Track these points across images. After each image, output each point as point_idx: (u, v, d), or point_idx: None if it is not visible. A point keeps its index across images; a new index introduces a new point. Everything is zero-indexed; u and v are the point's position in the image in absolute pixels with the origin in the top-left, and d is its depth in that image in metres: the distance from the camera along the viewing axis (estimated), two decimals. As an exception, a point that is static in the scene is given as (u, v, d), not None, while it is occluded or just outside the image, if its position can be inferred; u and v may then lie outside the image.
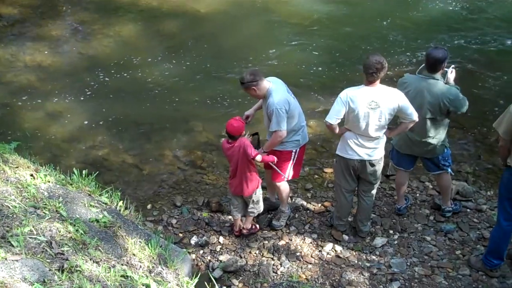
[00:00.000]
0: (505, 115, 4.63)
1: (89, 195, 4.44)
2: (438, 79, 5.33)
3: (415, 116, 5.07)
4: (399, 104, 4.99)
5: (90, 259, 3.43)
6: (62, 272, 3.08)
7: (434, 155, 5.69)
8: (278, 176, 5.71)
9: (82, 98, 8.40)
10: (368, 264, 5.58)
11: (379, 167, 5.47)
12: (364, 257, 5.68)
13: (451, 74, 5.44)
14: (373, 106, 4.99)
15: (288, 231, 6.01)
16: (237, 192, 5.61)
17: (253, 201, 5.64)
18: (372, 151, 5.28)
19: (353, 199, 5.85)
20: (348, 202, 5.76)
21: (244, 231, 5.85)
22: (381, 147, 5.33)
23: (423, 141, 5.56)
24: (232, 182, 5.59)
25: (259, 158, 5.34)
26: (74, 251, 3.39)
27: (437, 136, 5.54)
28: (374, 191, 5.69)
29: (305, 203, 6.40)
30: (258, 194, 5.68)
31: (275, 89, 5.31)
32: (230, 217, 6.08)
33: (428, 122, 5.43)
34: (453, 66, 5.52)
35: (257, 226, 5.95)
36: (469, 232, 5.98)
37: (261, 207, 5.78)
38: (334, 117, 5.12)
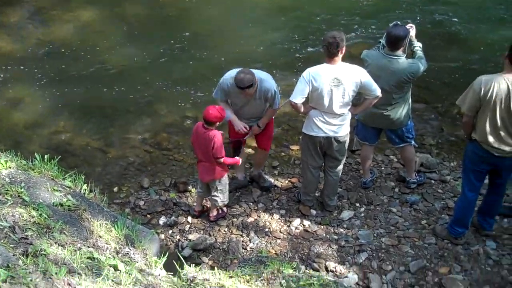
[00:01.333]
0: (468, 91, 4.71)
1: (52, 179, 4.36)
2: (400, 56, 5.38)
3: (378, 92, 5.12)
4: (361, 80, 5.03)
5: (55, 243, 3.38)
6: (27, 256, 3.03)
7: (399, 126, 5.76)
8: (269, 144, 6.04)
9: (43, 84, 8.26)
10: (336, 237, 5.65)
11: (345, 144, 5.52)
12: (332, 230, 5.75)
13: (413, 30, 5.53)
14: (336, 84, 5.02)
15: (256, 208, 6.04)
16: (201, 178, 5.62)
17: (216, 188, 5.61)
18: (338, 127, 5.32)
19: (320, 174, 5.90)
20: (315, 178, 5.81)
21: (211, 218, 5.85)
22: (347, 123, 5.38)
23: (388, 114, 5.62)
24: (199, 167, 5.59)
25: (222, 160, 5.40)
26: (38, 236, 3.34)
27: (401, 108, 5.62)
28: (340, 167, 5.75)
29: (272, 180, 6.43)
30: (224, 183, 5.65)
31: (257, 74, 5.40)
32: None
33: (392, 96, 5.50)
34: (410, 24, 5.58)
35: (224, 210, 5.94)
36: (433, 202, 6.11)
37: (226, 198, 5.76)
38: (298, 96, 5.14)
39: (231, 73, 5.40)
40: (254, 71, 5.39)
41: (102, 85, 8.27)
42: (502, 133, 4.71)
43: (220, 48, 9.06)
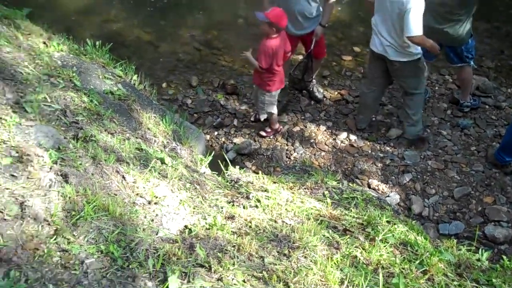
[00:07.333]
0: None
1: (103, 66, 4.31)
2: None
3: (410, 33, 4.63)
4: (406, 6, 4.58)
5: (105, 130, 3.37)
6: (77, 140, 3.03)
7: (460, 44, 5.46)
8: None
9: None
10: (381, 155, 5.55)
11: (404, 70, 5.11)
12: (378, 147, 5.64)
13: None
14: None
15: (303, 117, 5.93)
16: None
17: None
18: (389, 47, 4.95)
19: (375, 100, 5.68)
20: (367, 99, 5.59)
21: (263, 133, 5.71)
22: (402, 50, 4.94)
23: (447, 30, 5.31)
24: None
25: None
26: (88, 121, 3.33)
27: (462, 25, 5.29)
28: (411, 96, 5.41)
29: (321, 90, 6.26)
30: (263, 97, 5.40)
31: None
32: (245, 100, 6.01)
33: (453, 11, 5.18)
34: None
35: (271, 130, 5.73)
36: (486, 128, 5.90)
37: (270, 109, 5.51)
38: None
39: None
40: None
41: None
42: None
43: None
